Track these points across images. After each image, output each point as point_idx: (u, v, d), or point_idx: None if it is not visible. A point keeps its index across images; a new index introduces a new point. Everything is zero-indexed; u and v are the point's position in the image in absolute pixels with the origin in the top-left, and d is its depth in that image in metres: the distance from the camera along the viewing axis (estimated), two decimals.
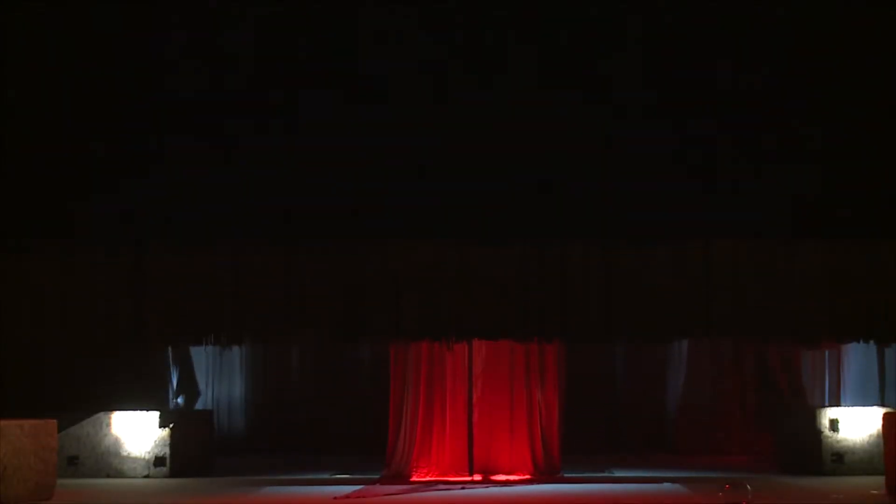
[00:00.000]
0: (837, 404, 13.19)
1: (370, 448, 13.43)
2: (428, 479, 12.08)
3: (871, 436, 12.16)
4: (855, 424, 12.31)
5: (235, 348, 15.44)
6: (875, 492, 10.72)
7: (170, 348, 13.87)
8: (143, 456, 12.49)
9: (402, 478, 12.10)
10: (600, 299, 11.77)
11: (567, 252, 11.80)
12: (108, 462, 12.50)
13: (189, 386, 14.68)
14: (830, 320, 11.72)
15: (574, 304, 11.78)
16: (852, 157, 11.55)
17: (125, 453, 12.50)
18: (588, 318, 11.76)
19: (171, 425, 12.51)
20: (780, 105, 11.61)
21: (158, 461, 12.48)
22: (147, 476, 12.44)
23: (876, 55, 11.53)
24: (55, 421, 10.75)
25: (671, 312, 11.73)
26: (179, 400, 14.23)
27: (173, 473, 12.44)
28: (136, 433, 12.51)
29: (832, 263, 11.68)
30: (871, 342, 12.07)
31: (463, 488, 11.57)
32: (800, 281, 11.70)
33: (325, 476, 12.55)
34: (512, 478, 12.11)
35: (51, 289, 11.99)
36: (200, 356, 15.05)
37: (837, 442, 12.32)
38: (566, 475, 12.26)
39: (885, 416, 10.88)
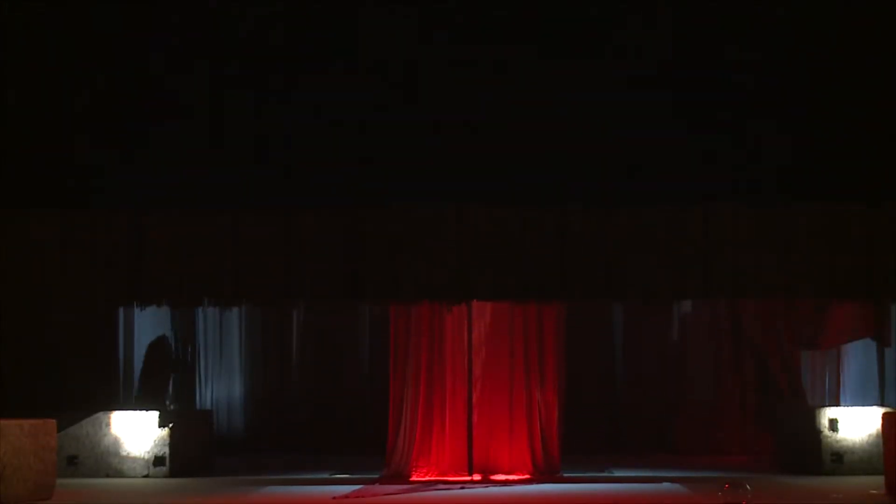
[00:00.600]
0: (837, 404, 13.19)
1: (370, 448, 13.44)
2: (427, 478, 12.07)
3: (870, 436, 12.16)
4: (854, 424, 12.31)
5: (235, 349, 15.59)
6: (874, 492, 10.71)
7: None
8: (142, 456, 12.49)
9: (401, 477, 12.10)
10: (599, 260, 11.93)
11: (566, 214, 11.96)
12: (107, 462, 12.50)
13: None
14: (830, 281, 11.90)
15: (574, 265, 11.92)
16: (850, 119, 11.69)
17: (125, 453, 12.50)
18: (587, 278, 11.93)
19: (170, 425, 12.51)
20: (778, 71, 11.78)
21: (158, 461, 12.48)
22: (147, 476, 12.43)
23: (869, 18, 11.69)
24: (55, 421, 10.72)
25: (669, 274, 11.90)
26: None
27: (173, 473, 12.44)
28: (136, 433, 12.51)
29: (830, 226, 11.86)
30: (871, 301, 12.27)
31: (462, 488, 11.56)
32: (797, 242, 11.88)
33: (325, 476, 12.55)
34: (511, 478, 12.11)
35: (51, 251, 12.14)
36: (200, 356, 15.10)
37: (837, 442, 12.32)
38: (566, 475, 12.26)
39: (885, 416, 10.87)
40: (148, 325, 13.59)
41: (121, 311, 13.18)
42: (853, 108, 11.82)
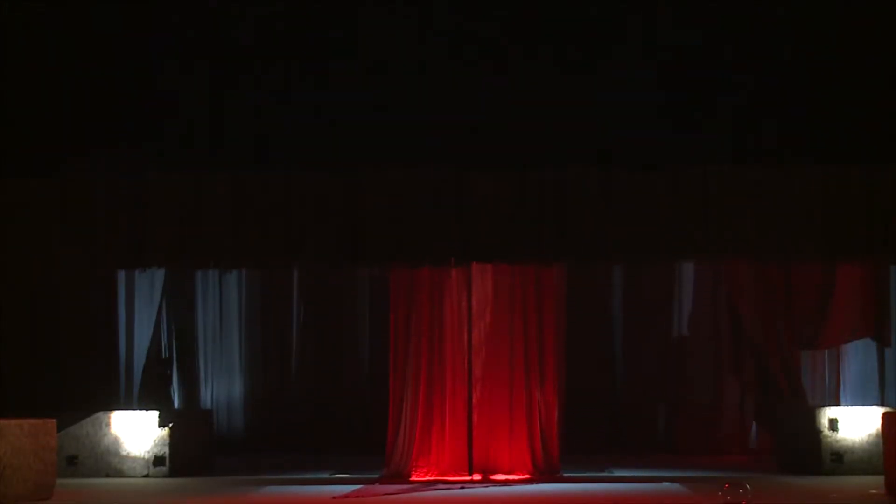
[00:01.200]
0: (837, 404, 13.18)
1: (370, 448, 13.43)
2: (427, 478, 12.07)
3: (870, 435, 12.15)
4: (854, 424, 12.31)
5: (235, 346, 15.59)
6: (874, 492, 10.71)
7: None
8: (142, 455, 12.49)
9: (401, 477, 12.10)
10: (599, 222, 12.08)
11: (565, 176, 12.08)
12: (107, 462, 12.49)
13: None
14: (829, 242, 12.06)
15: (573, 227, 12.10)
16: (847, 79, 11.78)
17: (125, 453, 12.50)
18: (587, 240, 12.11)
19: (170, 425, 12.50)
20: (777, 30, 11.93)
21: (158, 461, 12.48)
22: (147, 476, 12.43)
23: None
24: (55, 420, 10.74)
25: (668, 234, 12.05)
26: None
27: (173, 473, 12.43)
28: (136, 433, 12.51)
29: (829, 187, 12.01)
30: (869, 262, 12.41)
31: (462, 488, 11.57)
32: (796, 203, 12.01)
33: (325, 476, 12.55)
34: (511, 477, 12.11)
35: (52, 213, 12.25)
36: (200, 353, 15.11)
37: (837, 442, 12.31)
38: (566, 475, 12.25)
39: (885, 416, 10.87)
40: (146, 324, 13.56)
41: (122, 310, 13.17)
42: (852, 68, 11.89)
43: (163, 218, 12.22)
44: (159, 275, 13.41)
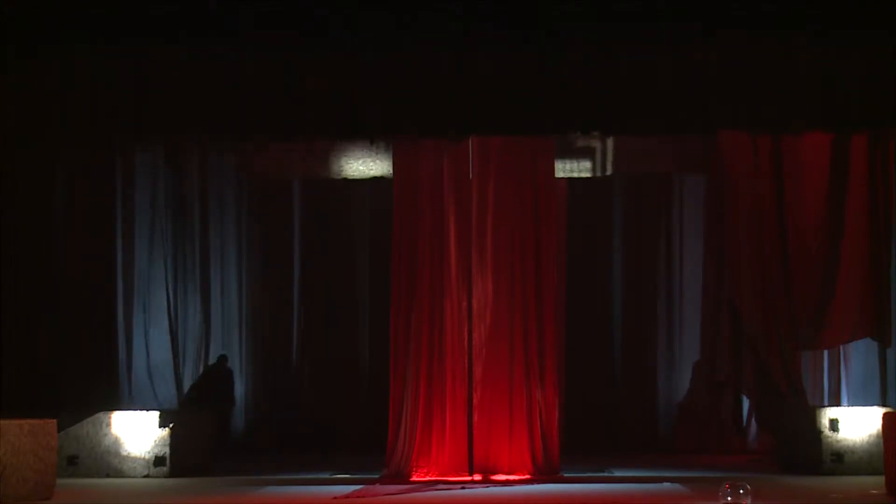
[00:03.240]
0: (837, 404, 13.18)
1: (370, 448, 13.44)
2: (428, 478, 12.08)
3: (870, 436, 12.15)
4: (855, 424, 12.31)
5: (235, 346, 15.60)
6: (875, 491, 10.72)
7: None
8: (142, 456, 12.48)
9: (401, 477, 12.10)
10: (598, 92, 12.19)
11: (564, 51, 12.22)
12: (107, 462, 12.49)
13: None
14: (823, 113, 12.23)
15: (571, 101, 12.25)
16: None
17: (125, 453, 12.49)
18: (583, 112, 12.30)
19: (170, 425, 12.50)
20: None
21: (158, 461, 12.47)
22: (147, 476, 12.42)
23: None
24: (55, 421, 10.75)
25: (668, 107, 12.20)
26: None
27: (173, 473, 12.43)
28: (136, 433, 12.51)
29: (824, 57, 12.17)
30: (865, 133, 12.50)
31: (463, 488, 11.57)
32: (791, 74, 12.16)
33: (325, 476, 12.54)
34: (512, 477, 12.11)
35: (51, 87, 12.35)
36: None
37: (837, 442, 12.32)
38: (566, 475, 12.25)
39: (885, 416, 10.88)
40: (151, 323, 13.57)
41: (121, 311, 13.16)
42: None
43: (163, 92, 12.32)
44: (160, 275, 13.42)
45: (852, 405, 12.92)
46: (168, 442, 12.49)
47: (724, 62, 12.30)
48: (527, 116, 12.27)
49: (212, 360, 15.09)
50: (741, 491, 9.05)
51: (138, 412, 12.64)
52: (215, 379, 14.93)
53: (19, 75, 12.39)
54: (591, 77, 12.21)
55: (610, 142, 14.54)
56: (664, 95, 12.26)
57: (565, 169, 14.39)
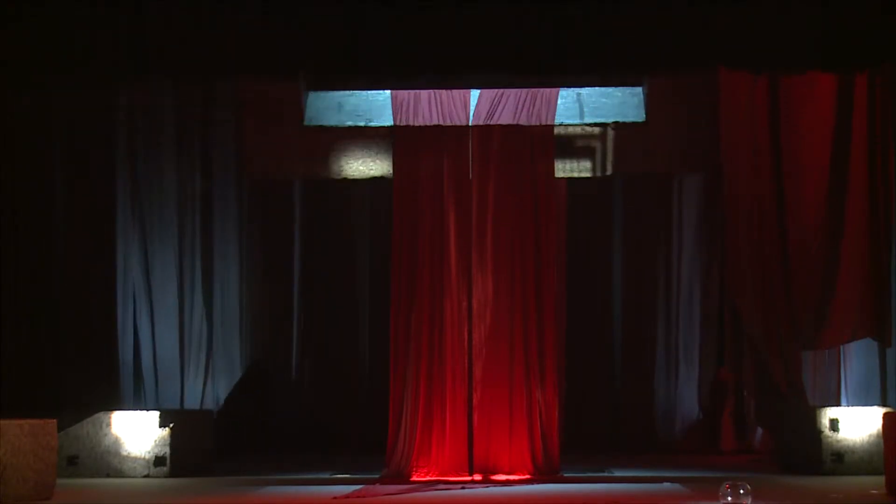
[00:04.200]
0: (837, 404, 13.18)
1: (370, 448, 13.44)
2: (428, 478, 12.08)
3: (871, 436, 12.16)
4: (855, 424, 12.31)
5: (235, 345, 15.57)
6: (875, 491, 10.72)
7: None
8: (142, 456, 12.48)
9: (401, 477, 12.10)
10: (594, 38, 12.48)
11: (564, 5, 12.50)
12: (107, 462, 12.49)
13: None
14: (820, 52, 12.34)
15: (567, 43, 12.48)
16: None
17: (125, 453, 12.49)
18: (582, 56, 12.51)
19: (171, 425, 12.50)
20: None
21: (158, 461, 12.47)
22: (147, 476, 12.43)
23: None
24: (55, 421, 10.74)
25: (662, 42, 12.47)
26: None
27: (173, 473, 12.43)
28: (136, 433, 12.51)
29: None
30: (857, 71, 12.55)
31: (463, 488, 11.57)
32: (787, 10, 12.31)
33: (325, 476, 12.54)
34: (512, 477, 12.11)
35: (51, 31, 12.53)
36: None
37: (837, 442, 12.31)
38: (566, 475, 12.25)
39: (885, 416, 10.88)
40: (152, 318, 13.54)
41: (120, 311, 13.16)
42: None
43: (164, 29, 12.52)
44: (159, 274, 13.41)
45: (852, 405, 12.91)
46: (168, 442, 12.49)
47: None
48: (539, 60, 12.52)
49: (213, 360, 15.09)
50: (741, 491, 9.06)
51: (138, 412, 12.64)
52: (251, 387, 15.05)
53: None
54: (598, 18, 12.47)
55: (610, 142, 14.51)
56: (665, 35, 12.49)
57: (565, 169, 14.33)
